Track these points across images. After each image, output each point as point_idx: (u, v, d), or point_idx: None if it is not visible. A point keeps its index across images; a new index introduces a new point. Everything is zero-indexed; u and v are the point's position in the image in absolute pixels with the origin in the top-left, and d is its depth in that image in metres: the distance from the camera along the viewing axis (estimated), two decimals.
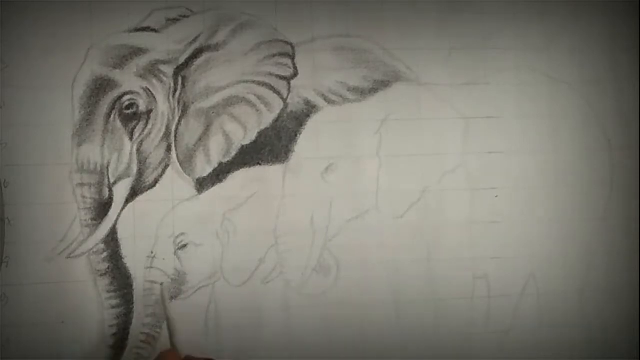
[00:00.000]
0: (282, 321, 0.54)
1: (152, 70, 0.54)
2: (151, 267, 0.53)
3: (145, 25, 0.54)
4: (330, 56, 0.56)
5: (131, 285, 0.53)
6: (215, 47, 0.55)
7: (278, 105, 0.56)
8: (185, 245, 0.54)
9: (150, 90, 0.54)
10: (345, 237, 0.56)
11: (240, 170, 0.55)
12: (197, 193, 0.54)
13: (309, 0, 0.56)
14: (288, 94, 0.56)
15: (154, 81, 0.54)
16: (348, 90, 0.57)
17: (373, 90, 0.57)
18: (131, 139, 0.54)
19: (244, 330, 0.54)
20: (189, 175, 0.54)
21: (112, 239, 0.53)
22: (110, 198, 0.53)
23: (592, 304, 0.59)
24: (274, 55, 0.56)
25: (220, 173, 0.55)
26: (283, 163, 0.56)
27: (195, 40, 0.55)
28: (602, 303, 0.59)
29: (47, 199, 0.52)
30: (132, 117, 0.54)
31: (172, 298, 0.53)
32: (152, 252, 0.53)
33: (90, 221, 0.53)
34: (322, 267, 0.56)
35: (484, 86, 0.59)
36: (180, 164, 0.54)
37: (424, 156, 0.58)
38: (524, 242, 0.59)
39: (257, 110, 0.55)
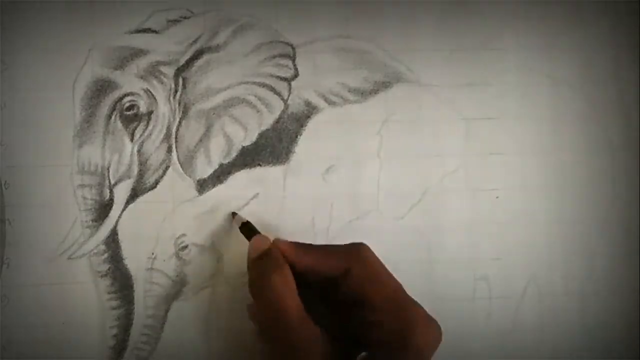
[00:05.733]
0: None
1: (152, 72, 0.54)
2: (152, 269, 0.53)
3: (145, 26, 0.54)
4: (331, 57, 0.56)
5: (132, 287, 0.53)
6: (216, 49, 0.55)
7: (278, 106, 0.56)
8: (186, 247, 0.54)
9: (150, 92, 0.54)
10: (346, 238, 0.55)
11: (241, 171, 0.55)
12: (197, 194, 0.54)
13: (309, 2, 0.56)
14: (289, 95, 0.56)
15: (155, 82, 0.54)
16: (349, 91, 0.57)
17: (374, 91, 0.57)
18: (132, 140, 0.54)
19: (245, 331, 0.54)
20: (190, 176, 0.54)
21: (112, 240, 0.53)
22: (111, 199, 0.53)
23: (593, 305, 0.59)
24: (274, 57, 0.56)
25: (220, 174, 0.55)
26: (284, 164, 0.56)
27: (195, 41, 0.55)
28: (603, 304, 0.59)
29: (47, 200, 0.52)
30: (132, 118, 0.54)
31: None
32: (152, 254, 0.53)
33: (91, 222, 0.53)
34: None
35: (484, 87, 0.59)
36: (181, 165, 0.54)
37: (424, 157, 0.58)
38: (525, 243, 0.59)
39: (258, 112, 0.55)
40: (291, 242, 0.49)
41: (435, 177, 0.58)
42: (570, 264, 0.59)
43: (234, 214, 0.54)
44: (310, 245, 0.50)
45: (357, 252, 0.49)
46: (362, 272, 0.48)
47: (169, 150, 0.54)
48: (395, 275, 0.55)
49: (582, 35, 0.61)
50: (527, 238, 0.59)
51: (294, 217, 0.55)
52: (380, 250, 0.56)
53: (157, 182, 0.54)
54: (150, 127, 0.54)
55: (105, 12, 0.54)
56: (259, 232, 0.51)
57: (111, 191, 0.53)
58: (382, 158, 0.57)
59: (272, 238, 0.50)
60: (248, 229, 0.52)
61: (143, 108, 0.54)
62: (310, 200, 0.56)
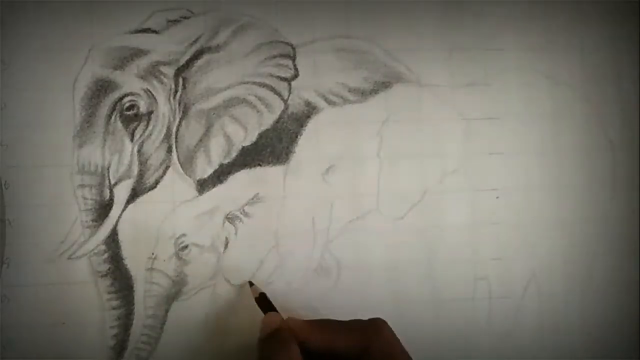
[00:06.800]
0: None
1: (152, 72, 0.54)
2: (152, 269, 0.53)
3: (146, 26, 0.54)
4: (331, 57, 0.56)
5: (132, 287, 0.53)
6: (216, 49, 0.55)
7: (279, 106, 0.56)
8: (186, 247, 0.54)
9: (150, 92, 0.54)
10: (346, 238, 0.56)
11: (241, 171, 0.55)
12: (197, 194, 0.54)
13: (309, 2, 0.56)
14: (289, 95, 0.56)
15: (155, 82, 0.54)
16: (349, 91, 0.57)
17: (374, 92, 0.57)
18: (132, 140, 0.54)
19: (245, 331, 0.54)
20: (190, 176, 0.54)
21: (112, 240, 0.53)
22: (111, 199, 0.53)
23: (594, 305, 0.59)
24: (274, 57, 0.56)
25: (221, 174, 0.55)
26: (284, 164, 0.56)
27: (196, 41, 0.55)
28: (603, 304, 0.59)
29: (47, 200, 0.52)
30: (132, 118, 0.54)
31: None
32: (152, 254, 0.53)
33: (91, 222, 0.53)
34: (323, 268, 0.56)
35: (484, 87, 0.59)
36: (181, 165, 0.54)
37: (424, 157, 0.58)
38: (525, 243, 0.59)
39: (258, 112, 0.55)
40: (305, 320, 0.48)
41: (435, 177, 0.58)
42: (571, 264, 0.59)
43: (250, 283, 0.54)
44: (327, 321, 0.49)
45: (377, 328, 0.48)
46: (381, 351, 0.47)
47: (169, 150, 0.54)
48: (395, 275, 0.55)
49: (582, 35, 0.61)
50: (527, 238, 0.59)
51: (294, 217, 0.55)
52: (380, 250, 0.56)
53: (157, 182, 0.54)
54: (150, 127, 0.54)
55: (105, 12, 0.54)
56: (273, 307, 0.51)
57: (111, 191, 0.53)
58: (382, 158, 0.57)
59: (285, 315, 0.49)
60: (264, 302, 0.51)
61: (143, 108, 0.54)
62: (310, 200, 0.56)
